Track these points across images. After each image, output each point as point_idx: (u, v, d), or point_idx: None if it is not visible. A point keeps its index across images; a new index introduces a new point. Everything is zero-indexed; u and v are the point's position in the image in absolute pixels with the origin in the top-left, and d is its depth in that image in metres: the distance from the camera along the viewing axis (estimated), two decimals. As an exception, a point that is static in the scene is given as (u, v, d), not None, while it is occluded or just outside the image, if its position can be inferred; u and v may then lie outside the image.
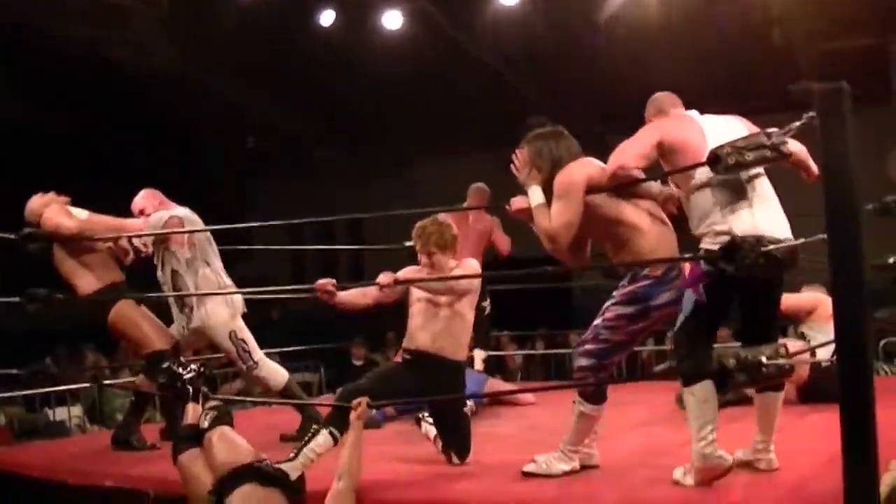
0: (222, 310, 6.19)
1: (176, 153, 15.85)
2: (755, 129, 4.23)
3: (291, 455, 4.63)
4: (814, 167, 4.32)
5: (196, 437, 4.69)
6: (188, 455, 4.64)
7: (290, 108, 15.68)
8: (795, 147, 4.24)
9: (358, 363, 11.61)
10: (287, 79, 14.50)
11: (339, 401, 4.85)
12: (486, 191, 7.96)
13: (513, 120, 10.60)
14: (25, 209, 6.11)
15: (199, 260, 6.23)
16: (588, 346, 4.49)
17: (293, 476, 4.38)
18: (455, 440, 5.14)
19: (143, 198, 6.38)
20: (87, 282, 6.01)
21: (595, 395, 4.51)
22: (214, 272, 6.29)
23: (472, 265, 5.36)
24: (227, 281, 6.35)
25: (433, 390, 5.01)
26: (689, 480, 4.19)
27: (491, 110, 14.57)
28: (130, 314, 6.01)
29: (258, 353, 6.29)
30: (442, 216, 5.29)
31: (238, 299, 6.30)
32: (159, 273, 6.29)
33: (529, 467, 4.59)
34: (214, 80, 14.38)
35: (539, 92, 14.57)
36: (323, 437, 4.71)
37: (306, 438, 4.77)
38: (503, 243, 8.04)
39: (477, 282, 5.33)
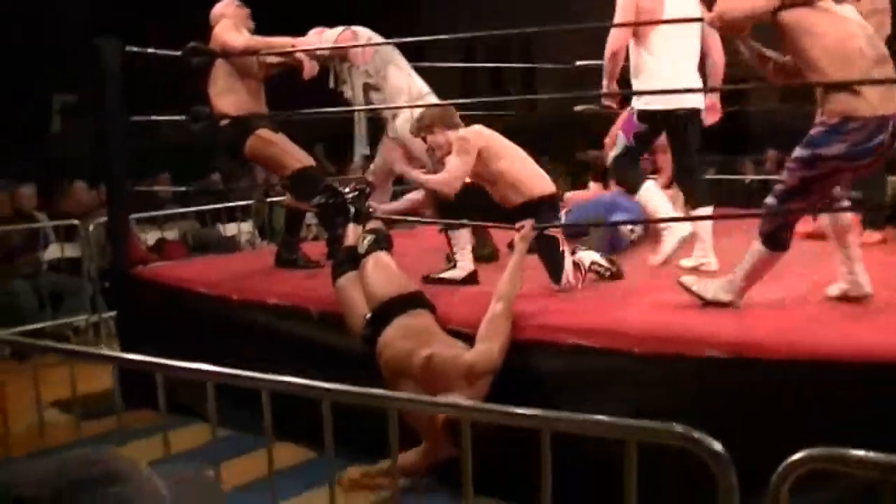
0: None
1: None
2: None
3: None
4: None
5: (354, 259, 4.70)
6: (345, 279, 4.68)
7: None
8: None
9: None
10: None
11: None
12: None
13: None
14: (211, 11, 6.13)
15: (388, 64, 6.11)
16: (776, 186, 4.25)
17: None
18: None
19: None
20: (229, 104, 5.95)
21: (770, 239, 4.26)
22: (406, 76, 6.14)
23: None
24: (421, 84, 6.18)
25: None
26: None
27: None
28: (268, 138, 5.97)
29: None
30: None
31: None
32: (347, 93, 6.20)
33: (686, 279, 4.47)
34: None
35: None
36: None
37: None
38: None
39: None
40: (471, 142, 4.93)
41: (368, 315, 4.40)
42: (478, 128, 5.09)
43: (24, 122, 13.86)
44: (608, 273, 5.14)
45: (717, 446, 2.18)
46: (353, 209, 5.04)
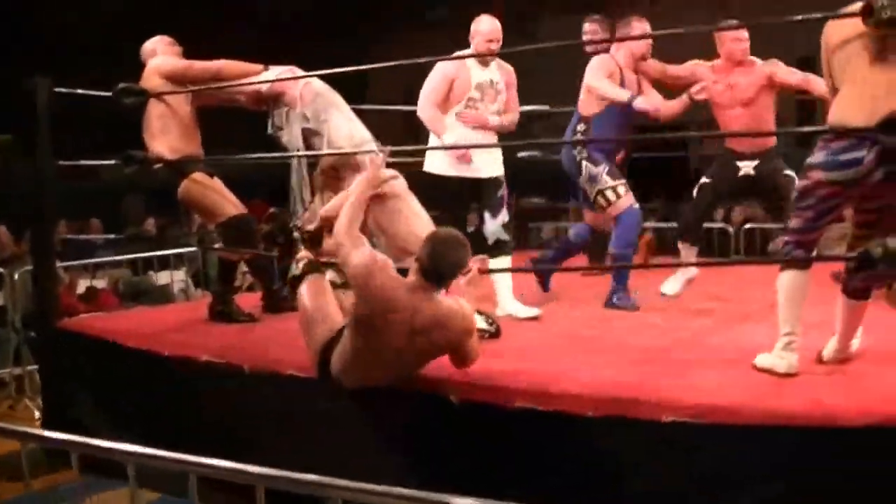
0: None
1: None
2: None
3: None
4: None
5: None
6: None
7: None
8: None
9: (472, 229, 11.33)
10: None
11: None
12: None
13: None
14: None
15: (330, 108, 5.88)
16: None
17: None
18: None
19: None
20: (162, 146, 5.72)
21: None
22: (347, 120, 5.92)
23: None
24: (363, 129, 5.94)
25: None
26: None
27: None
28: (202, 183, 5.73)
29: None
30: None
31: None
32: (285, 138, 6.00)
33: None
34: None
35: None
36: None
37: None
38: None
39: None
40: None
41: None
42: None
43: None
44: (487, 335, 4.94)
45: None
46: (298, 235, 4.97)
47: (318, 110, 5.86)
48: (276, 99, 5.88)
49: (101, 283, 8.82)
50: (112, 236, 10.49)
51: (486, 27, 5.77)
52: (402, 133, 15.73)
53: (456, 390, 4.06)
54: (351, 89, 6.19)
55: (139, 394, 5.22)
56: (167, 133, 5.71)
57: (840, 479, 3.33)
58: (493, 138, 5.94)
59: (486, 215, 5.84)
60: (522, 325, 5.45)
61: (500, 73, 5.91)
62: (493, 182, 5.88)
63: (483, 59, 5.78)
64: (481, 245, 5.59)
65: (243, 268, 6.84)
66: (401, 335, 3.96)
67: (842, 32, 3.78)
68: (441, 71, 5.79)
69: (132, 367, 5.34)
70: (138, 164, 5.69)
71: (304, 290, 4.45)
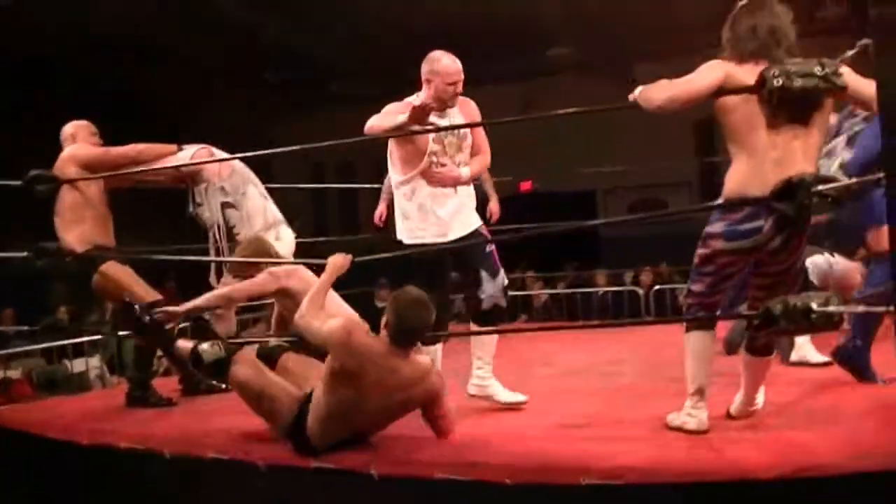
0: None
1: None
2: None
3: None
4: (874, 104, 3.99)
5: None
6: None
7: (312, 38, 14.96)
8: (859, 82, 3.93)
9: (382, 305, 11.42)
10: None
11: None
12: None
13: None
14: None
15: (248, 183, 6.09)
16: None
17: None
18: None
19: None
20: (74, 237, 5.71)
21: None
22: (262, 198, 6.14)
23: None
24: (275, 209, 6.19)
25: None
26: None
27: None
28: (114, 273, 5.73)
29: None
30: None
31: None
32: (205, 214, 6.06)
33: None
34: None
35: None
36: None
37: None
38: None
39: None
40: (276, 276, 5.09)
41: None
42: (294, 269, 5.20)
43: None
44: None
45: None
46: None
47: (237, 184, 5.99)
48: (195, 176, 5.96)
49: (14, 374, 8.68)
50: (25, 328, 10.32)
51: (447, 66, 4.89)
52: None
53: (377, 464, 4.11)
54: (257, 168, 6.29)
55: (59, 484, 5.13)
56: (80, 223, 5.71)
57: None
58: (470, 192, 5.13)
59: (484, 275, 4.99)
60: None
61: (462, 115, 5.04)
62: (476, 235, 5.10)
63: (442, 105, 4.92)
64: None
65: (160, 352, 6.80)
66: (382, 388, 4.16)
67: (735, 100, 3.95)
68: (389, 110, 4.93)
69: (50, 458, 5.26)
70: (49, 256, 5.65)
71: (241, 372, 4.51)
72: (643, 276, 12.04)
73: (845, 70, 3.80)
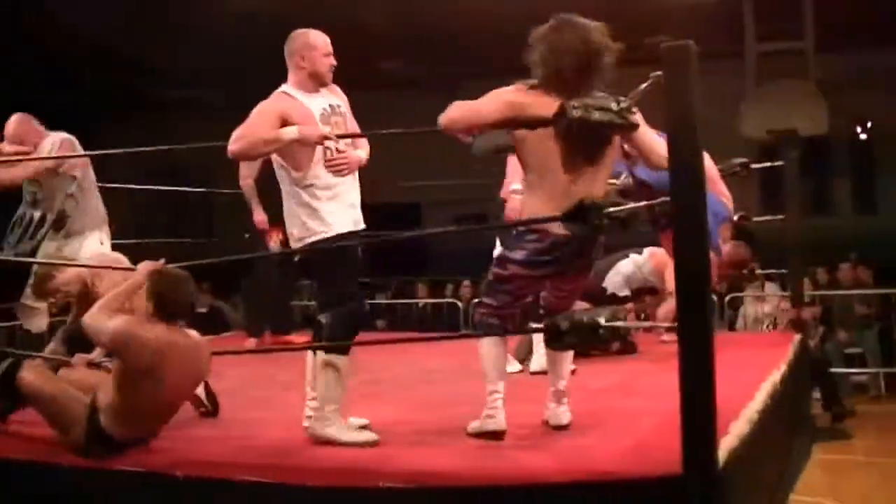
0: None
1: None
2: None
3: None
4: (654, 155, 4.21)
5: None
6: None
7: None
8: (646, 129, 4.19)
9: (203, 310, 11.35)
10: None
11: None
12: None
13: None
14: None
15: (88, 180, 6.13)
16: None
17: None
18: None
19: (19, 123, 6.10)
20: None
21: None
22: (97, 196, 6.21)
23: None
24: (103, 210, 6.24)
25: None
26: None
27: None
28: None
29: None
30: None
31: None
32: (40, 198, 6.06)
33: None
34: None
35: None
36: None
37: None
38: None
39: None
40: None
41: None
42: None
43: None
44: None
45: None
46: None
47: (81, 179, 5.97)
48: (58, 167, 6.03)
49: None
50: None
51: (318, 37, 4.55)
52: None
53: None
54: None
55: None
56: None
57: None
58: (355, 182, 4.63)
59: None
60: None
61: (337, 96, 4.68)
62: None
63: (318, 82, 4.54)
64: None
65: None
66: (175, 366, 4.29)
67: (539, 133, 4.09)
68: (263, 109, 4.43)
69: None
70: None
71: (34, 380, 4.51)
72: (463, 289, 12.28)
73: (636, 111, 4.04)
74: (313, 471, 3.96)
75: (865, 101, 14.78)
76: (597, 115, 3.88)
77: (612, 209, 3.95)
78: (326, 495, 3.84)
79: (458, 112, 4.12)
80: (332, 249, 4.39)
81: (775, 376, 5.53)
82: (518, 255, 4.21)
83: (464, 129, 4.15)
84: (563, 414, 4.49)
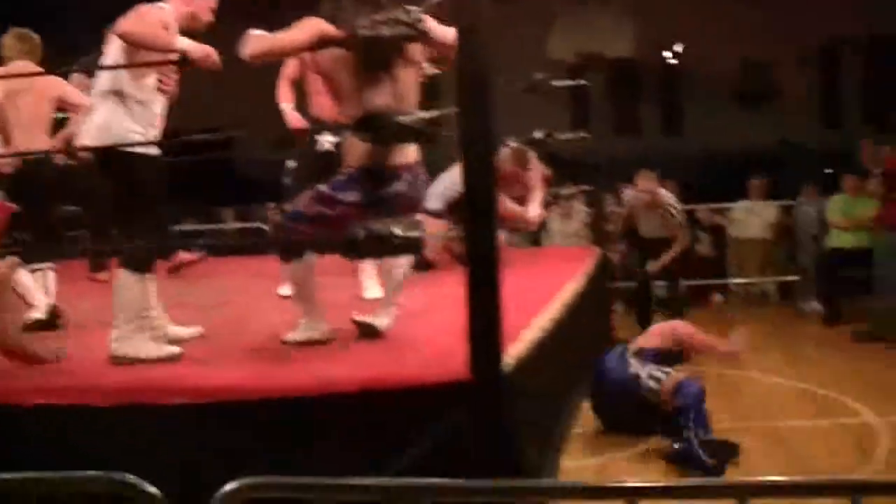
0: None
1: None
2: None
3: None
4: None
5: None
6: None
7: None
8: (442, 31, 4.21)
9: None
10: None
11: None
12: None
13: None
14: None
15: None
16: (287, 206, 4.59)
17: None
18: None
19: None
20: None
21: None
22: None
23: None
24: None
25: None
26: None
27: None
28: None
29: None
30: None
31: None
32: None
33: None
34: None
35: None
36: None
37: None
38: None
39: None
40: None
41: None
42: None
43: None
44: None
45: (152, 489, 2.17)
46: None
47: None
48: None
49: None
50: None
51: None
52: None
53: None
54: None
55: None
56: None
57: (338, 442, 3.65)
58: None
59: None
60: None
61: None
62: None
63: (195, 26, 4.44)
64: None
65: None
66: None
67: (327, 56, 4.24)
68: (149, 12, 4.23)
69: None
70: None
71: None
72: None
73: (427, 18, 4.09)
74: (106, 391, 3.88)
75: (674, 26, 15.14)
76: (386, 31, 3.94)
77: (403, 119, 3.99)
78: (115, 414, 3.77)
79: (268, 43, 4.14)
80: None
81: (571, 288, 5.69)
82: (352, 195, 4.27)
83: (276, 58, 4.22)
84: (378, 319, 4.61)
